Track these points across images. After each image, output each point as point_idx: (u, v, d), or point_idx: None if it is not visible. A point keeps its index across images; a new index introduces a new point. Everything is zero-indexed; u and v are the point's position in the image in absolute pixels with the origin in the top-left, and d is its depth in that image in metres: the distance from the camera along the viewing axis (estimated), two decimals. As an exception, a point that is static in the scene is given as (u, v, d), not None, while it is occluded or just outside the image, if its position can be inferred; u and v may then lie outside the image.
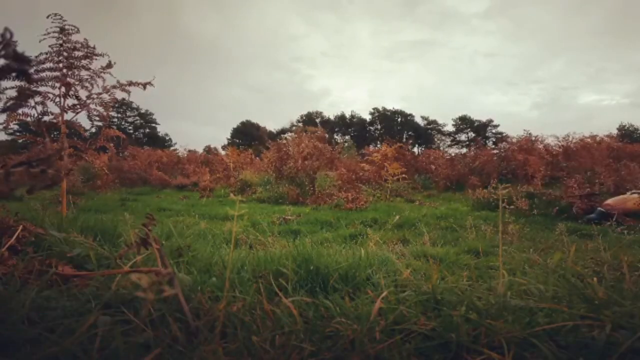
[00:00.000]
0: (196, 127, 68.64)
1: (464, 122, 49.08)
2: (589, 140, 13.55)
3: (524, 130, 15.25)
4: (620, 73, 67.29)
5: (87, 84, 3.04)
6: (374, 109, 51.59)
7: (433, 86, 76.66)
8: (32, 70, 0.72)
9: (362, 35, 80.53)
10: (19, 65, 0.68)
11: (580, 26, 74.22)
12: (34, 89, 2.84)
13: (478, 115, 49.26)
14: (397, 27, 79.23)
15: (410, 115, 50.38)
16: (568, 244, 2.55)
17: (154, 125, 46.07)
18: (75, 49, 3.01)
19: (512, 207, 6.02)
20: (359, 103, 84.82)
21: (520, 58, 75.53)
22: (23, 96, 0.81)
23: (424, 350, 0.86)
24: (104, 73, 3.07)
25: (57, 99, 2.96)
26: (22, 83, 1.64)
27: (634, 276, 1.24)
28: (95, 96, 3.06)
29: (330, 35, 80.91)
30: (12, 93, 0.87)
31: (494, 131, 46.56)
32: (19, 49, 0.68)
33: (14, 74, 0.70)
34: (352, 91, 78.54)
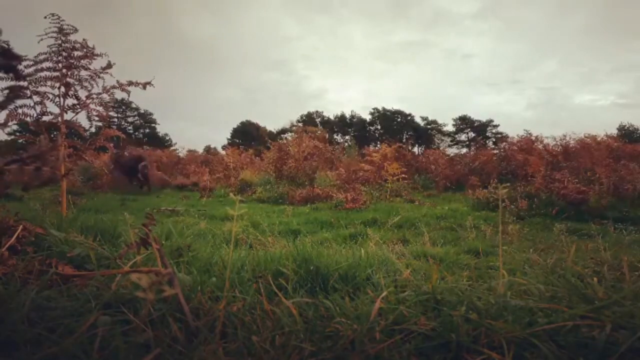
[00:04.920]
0: (196, 127, 68.84)
1: (464, 122, 49.10)
2: (588, 140, 13.56)
3: (524, 130, 15.28)
4: (612, 73, 67.52)
5: (86, 84, 3.04)
6: (374, 109, 51.64)
7: (427, 87, 76.77)
8: (21, 67, 0.72)
9: (356, 37, 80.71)
10: (6, 61, 0.68)
11: (571, 26, 74.29)
12: (33, 88, 2.84)
13: (473, 115, 49.28)
14: (390, 28, 79.48)
15: (410, 115, 50.39)
16: (568, 244, 2.55)
17: (153, 125, 46.12)
18: (74, 48, 3.01)
19: (512, 206, 6.03)
20: (355, 103, 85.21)
21: (513, 58, 75.63)
22: (14, 93, 0.81)
23: (424, 350, 0.86)
24: (104, 73, 3.07)
25: (57, 99, 2.97)
26: (17, 82, 1.64)
27: (634, 276, 1.24)
28: (95, 96, 3.06)
29: (325, 37, 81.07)
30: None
31: (494, 131, 46.60)
32: (19, 49, 0.68)
33: (2, 70, 0.70)
34: (348, 92, 78.79)
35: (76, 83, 3.01)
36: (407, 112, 50.80)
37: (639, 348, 0.78)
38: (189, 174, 14.11)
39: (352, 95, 79.08)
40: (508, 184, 2.86)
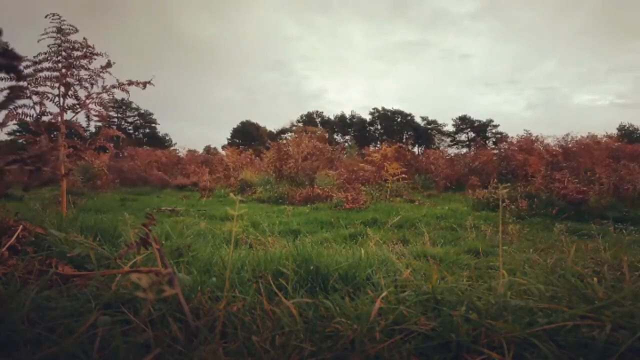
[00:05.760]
0: (196, 127, 69.01)
1: (464, 122, 49.11)
2: (588, 140, 13.58)
3: (524, 130, 15.31)
4: (611, 73, 67.67)
5: (86, 84, 3.04)
6: (373, 109, 51.60)
7: (427, 87, 76.93)
8: (22, 67, 0.72)
9: (356, 37, 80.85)
10: (8, 61, 0.68)
11: (570, 26, 74.44)
12: (33, 88, 2.84)
13: (473, 115, 49.25)
14: (390, 28, 79.59)
15: (410, 115, 50.38)
16: (568, 244, 2.55)
17: (153, 125, 46.10)
18: (74, 48, 3.01)
19: (513, 206, 6.03)
20: (355, 103, 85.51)
21: (512, 58, 75.77)
22: (14, 93, 0.81)
23: (424, 350, 0.86)
24: (103, 73, 3.07)
25: (57, 99, 2.97)
26: (17, 82, 1.63)
27: (634, 276, 1.24)
28: (94, 96, 3.06)
29: (324, 37, 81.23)
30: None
31: (494, 131, 46.62)
32: (18, 49, 0.68)
33: (3, 70, 0.70)
34: (348, 92, 79.01)
35: (76, 83, 3.01)
36: (407, 112, 50.82)
37: (639, 348, 0.78)
38: (189, 174, 14.12)
39: (352, 95, 79.33)
40: (508, 184, 2.86)
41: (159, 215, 5.17)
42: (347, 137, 50.02)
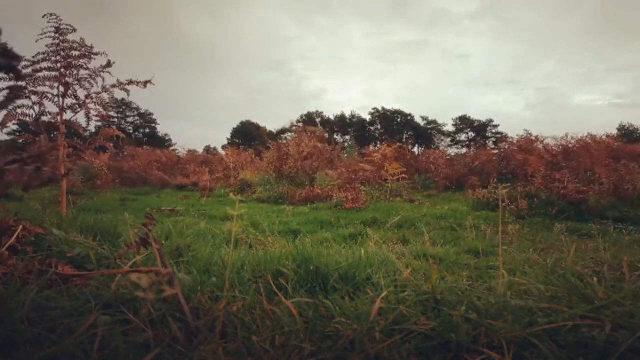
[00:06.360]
0: (196, 127, 69.17)
1: (463, 122, 49.11)
2: (588, 140, 13.57)
3: (524, 130, 15.32)
4: (610, 73, 67.89)
5: (85, 84, 3.04)
6: (373, 109, 51.63)
7: (426, 87, 77.30)
8: (20, 67, 0.72)
9: (355, 37, 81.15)
10: (7, 61, 0.68)
11: (569, 26, 74.82)
12: (32, 88, 2.84)
13: (473, 115, 49.34)
14: (389, 28, 79.97)
15: (410, 115, 50.40)
16: (568, 244, 2.55)
17: (153, 125, 46.10)
18: (72, 48, 3.00)
19: (513, 206, 6.03)
20: (355, 103, 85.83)
21: (511, 58, 76.16)
22: (14, 93, 0.81)
23: (424, 350, 0.86)
24: (103, 72, 3.07)
25: (56, 99, 2.96)
26: (16, 82, 1.63)
27: (634, 276, 1.24)
28: (94, 95, 3.06)
29: (324, 37, 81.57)
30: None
31: (494, 131, 46.63)
32: (17, 49, 0.68)
33: (2, 70, 0.70)
34: (348, 92, 79.44)
35: (75, 83, 3.00)
36: (407, 112, 50.85)
37: (639, 348, 0.78)
38: (189, 174, 14.12)
39: (351, 95, 79.57)
40: (508, 184, 2.86)
41: (159, 215, 5.17)
42: (347, 137, 50.05)
